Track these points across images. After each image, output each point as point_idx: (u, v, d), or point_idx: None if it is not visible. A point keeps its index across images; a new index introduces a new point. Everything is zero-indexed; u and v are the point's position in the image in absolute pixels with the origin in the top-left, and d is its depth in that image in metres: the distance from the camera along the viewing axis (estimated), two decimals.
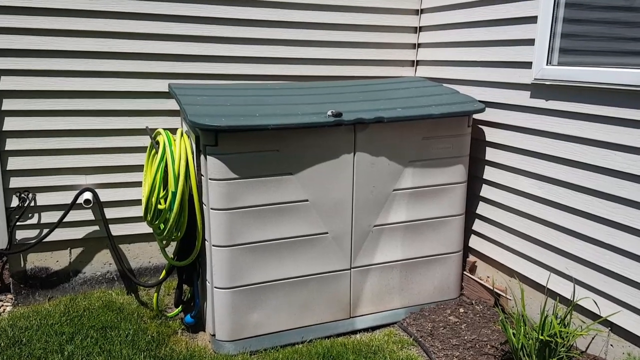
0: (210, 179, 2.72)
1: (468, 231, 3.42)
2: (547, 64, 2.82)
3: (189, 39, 3.42)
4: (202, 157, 2.75)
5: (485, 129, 3.29)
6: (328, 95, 3.29)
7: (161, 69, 3.41)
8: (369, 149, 2.96)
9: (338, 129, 2.87)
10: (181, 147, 2.79)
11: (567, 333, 2.40)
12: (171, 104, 3.45)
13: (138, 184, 3.46)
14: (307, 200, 2.90)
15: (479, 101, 3.22)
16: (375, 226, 3.08)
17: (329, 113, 2.83)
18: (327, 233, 2.98)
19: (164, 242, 2.95)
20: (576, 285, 2.73)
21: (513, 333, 2.51)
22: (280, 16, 3.56)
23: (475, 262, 3.45)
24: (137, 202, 3.50)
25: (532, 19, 2.89)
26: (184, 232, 2.86)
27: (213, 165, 2.70)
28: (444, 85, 3.57)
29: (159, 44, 3.37)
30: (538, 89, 2.90)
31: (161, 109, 3.46)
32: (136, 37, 3.32)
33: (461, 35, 3.46)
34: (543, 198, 2.92)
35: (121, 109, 3.38)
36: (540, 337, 2.37)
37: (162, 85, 3.42)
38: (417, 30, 3.93)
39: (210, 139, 2.67)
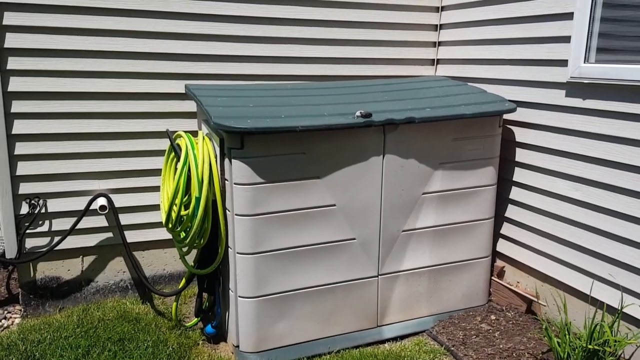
0: (235, 183, 2.59)
1: (496, 235, 3.31)
2: (584, 62, 2.71)
3: (205, 38, 3.29)
4: (226, 160, 2.62)
5: (515, 129, 3.18)
6: (352, 95, 3.17)
7: (177, 69, 3.27)
8: (399, 151, 2.84)
9: (367, 130, 2.75)
10: (204, 150, 2.65)
11: (616, 342, 2.29)
12: (187, 106, 3.32)
13: (153, 189, 3.32)
14: (334, 205, 2.78)
15: (509, 100, 3.11)
16: (403, 231, 2.96)
17: (358, 114, 2.71)
18: (354, 239, 2.86)
19: (185, 249, 2.81)
20: (620, 291, 2.62)
21: (558, 342, 2.40)
22: (298, 14, 3.43)
23: (503, 266, 3.34)
24: (151, 207, 3.36)
25: (568, 16, 2.78)
26: (207, 239, 2.72)
27: (238, 169, 2.57)
28: (469, 84, 3.46)
29: (174, 44, 3.23)
30: (574, 88, 2.78)
31: (177, 110, 3.32)
32: (151, 36, 3.18)
33: (487, 33, 3.35)
34: (580, 200, 2.80)
35: (135, 111, 3.24)
36: (589, 347, 2.26)
37: (177, 86, 3.28)
38: (437, 28, 3.82)
39: (235, 141, 2.54)
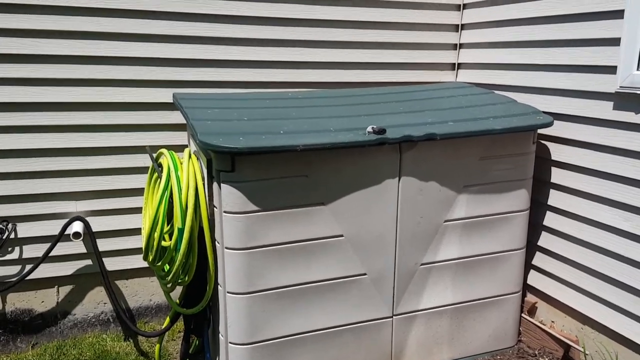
0: (225, 211, 2.20)
1: (527, 266, 2.89)
2: (638, 69, 2.29)
3: (196, 40, 2.90)
4: (214, 184, 2.23)
5: (550, 145, 2.76)
6: (361, 106, 2.77)
7: (164, 76, 2.89)
8: (417, 172, 2.43)
9: (380, 149, 2.34)
10: (189, 172, 2.26)
11: None
12: (176, 117, 2.93)
13: (137, 210, 2.94)
14: (341, 236, 2.38)
15: (544, 112, 2.70)
16: (422, 264, 2.55)
17: (369, 129, 2.31)
18: (365, 274, 2.45)
19: (169, 285, 2.43)
20: None
21: None
22: (300, 13, 3.04)
23: (535, 303, 2.92)
24: (135, 231, 2.97)
25: (617, 14, 2.36)
26: (193, 275, 2.33)
27: (229, 195, 2.18)
28: (496, 92, 3.04)
29: (161, 47, 2.85)
30: (625, 99, 2.37)
31: (164, 122, 2.94)
32: (134, 39, 2.80)
33: (517, 34, 2.93)
34: (630, 233, 2.38)
35: (117, 123, 2.86)
36: None
37: (165, 95, 2.90)
38: (458, 28, 3.41)
39: (225, 163, 2.15)
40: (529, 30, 2.85)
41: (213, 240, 2.31)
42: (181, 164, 2.31)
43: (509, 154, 2.59)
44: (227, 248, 2.24)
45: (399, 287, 2.53)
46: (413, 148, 2.40)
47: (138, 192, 2.92)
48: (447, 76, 3.46)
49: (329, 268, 2.38)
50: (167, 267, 2.36)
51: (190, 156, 2.35)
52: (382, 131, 2.29)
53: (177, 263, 2.23)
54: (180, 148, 2.89)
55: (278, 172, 2.23)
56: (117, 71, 2.81)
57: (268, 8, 2.98)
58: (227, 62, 2.98)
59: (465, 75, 3.41)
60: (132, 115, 2.88)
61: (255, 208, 2.21)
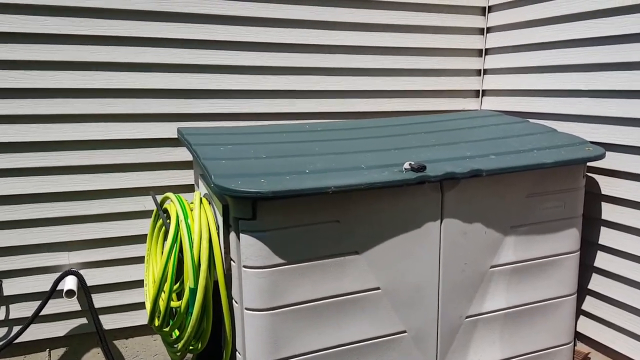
0: (245, 266, 1.88)
1: (577, 311, 2.59)
2: None
3: (203, 69, 2.63)
4: (232, 234, 1.92)
5: (600, 179, 2.49)
6: (389, 139, 2.49)
7: (167, 109, 2.60)
8: (461, 213, 2.14)
9: (420, 188, 2.06)
10: (202, 220, 1.95)
11: None
12: (180, 154, 2.63)
13: (136, 260, 2.61)
14: (378, 289, 2.07)
15: (591, 143, 2.44)
16: (467, 317, 2.24)
17: (407, 166, 2.02)
18: (404, 332, 2.14)
19: (179, 354, 2.09)
20: None
21: None
22: (317, 39, 2.79)
23: (588, 353, 2.61)
24: (135, 284, 2.64)
25: None
26: (207, 341, 2.00)
27: (250, 247, 1.87)
28: (531, 121, 2.79)
29: (164, 77, 2.57)
30: None
31: (167, 160, 2.63)
32: (133, 69, 2.52)
33: (553, 58, 2.69)
34: None
35: (113, 163, 2.55)
36: None
37: (167, 130, 2.61)
38: (482, 53, 3.17)
39: (245, 209, 1.85)
40: (564, 53, 2.61)
41: (230, 299, 1.98)
42: (191, 210, 2.01)
43: (558, 190, 2.32)
44: (247, 309, 1.91)
45: (443, 344, 2.21)
46: (456, 186, 2.12)
47: (137, 239, 2.60)
48: (470, 104, 3.21)
49: (365, 327, 2.06)
50: (176, 332, 2.03)
51: (201, 201, 2.05)
52: (421, 168, 2.01)
53: (189, 329, 1.90)
54: (185, 188, 2.59)
55: (306, 218, 1.92)
56: (112, 105, 2.52)
57: (280, 34, 2.72)
58: (238, 92, 2.71)
59: (490, 103, 3.16)
60: (132, 154, 2.57)
61: (281, 261, 1.90)
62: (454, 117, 2.89)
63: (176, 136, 2.57)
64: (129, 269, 2.63)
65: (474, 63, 3.17)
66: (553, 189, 2.31)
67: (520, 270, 2.30)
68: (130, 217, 2.60)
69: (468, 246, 2.18)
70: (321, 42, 2.80)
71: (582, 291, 2.58)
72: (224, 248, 1.97)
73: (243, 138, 2.38)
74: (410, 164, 2.03)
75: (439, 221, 2.11)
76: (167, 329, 1.98)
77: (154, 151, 2.61)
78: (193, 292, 1.88)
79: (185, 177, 2.65)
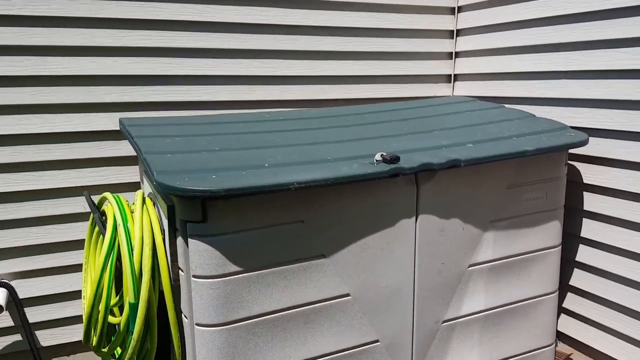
0: (195, 276, 1.64)
1: (558, 310, 2.44)
2: None
3: (150, 52, 2.34)
4: (179, 240, 1.67)
5: (581, 167, 2.34)
6: (358, 128, 2.27)
7: (107, 98, 2.31)
8: (437, 209, 1.94)
9: (393, 182, 1.85)
10: (144, 223, 1.69)
11: None
12: (125, 148, 2.35)
13: (75, 269, 2.33)
14: (347, 295, 1.85)
15: (572, 128, 2.27)
16: (444, 322, 2.05)
17: (379, 157, 1.81)
18: (377, 341, 1.93)
19: None
20: None
21: None
22: (276, 18, 2.53)
23: (570, 354, 2.46)
24: (74, 295, 2.36)
25: None
26: None
27: (200, 254, 1.62)
28: (506, 106, 2.61)
29: (104, 62, 2.28)
30: None
31: (110, 155, 2.35)
32: (68, 53, 2.22)
33: (529, 37, 2.51)
34: None
35: (48, 159, 2.25)
36: None
37: (109, 122, 2.32)
38: (453, 34, 2.98)
39: (194, 211, 1.60)
40: (542, 32, 2.43)
41: (179, 314, 1.73)
42: (132, 212, 1.74)
43: (539, 180, 2.14)
44: (198, 325, 1.66)
45: (418, 352, 2.01)
46: (432, 179, 1.91)
47: (77, 244, 2.32)
48: (442, 90, 3.02)
49: (334, 337, 1.85)
50: (118, 350, 1.77)
51: (144, 201, 1.78)
52: (394, 159, 1.79)
53: (129, 349, 1.64)
54: (133, 187, 2.32)
55: (265, 218, 1.69)
56: (45, 94, 2.21)
57: (240, 12, 2.45)
58: (186, 78, 2.43)
59: (463, 88, 2.97)
60: (67, 149, 2.28)
61: (236, 269, 1.66)
62: (426, 104, 2.69)
63: (118, 128, 2.29)
64: (68, 278, 2.34)
65: (445, 45, 2.97)
66: (534, 179, 2.13)
67: (500, 269, 2.13)
68: (68, 220, 2.31)
69: (445, 244, 1.98)
70: (281, 22, 2.55)
71: (563, 287, 2.43)
72: (171, 255, 1.71)
73: (194, 129, 2.12)
74: (382, 155, 1.81)
75: (414, 218, 1.91)
76: (105, 350, 1.72)
77: (95, 145, 2.33)
78: (134, 307, 1.62)
79: (132, 174, 2.38)
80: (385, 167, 1.76)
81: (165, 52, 2.37)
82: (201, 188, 1.52)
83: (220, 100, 2.50)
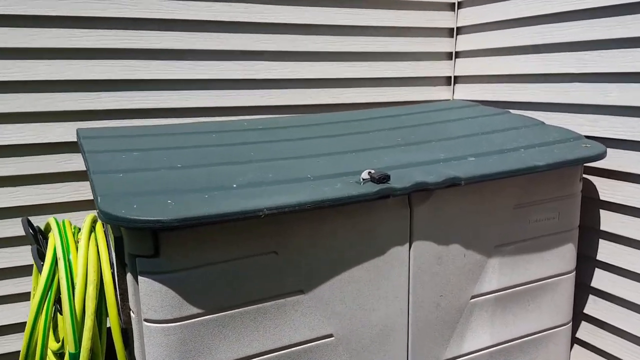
0: (147, 320, 1.38)
1: (570, 341, 2.18)
2: None
3: (107, 54, 2.09)
4: (129, 276, 1.41)
5: (597, 182, 2.08)
6: (345, 138, 2.01)
7: (61, 106, 2.05)
8: (434, 234, 1.69)
9: (383, 204, 1.59)
10: (90, 256, 1.44)
11: None
12: (79, 162, 2.10)
13: (23, 297, 2.07)
14: (330, 336, 1.59)
15: (587, 137, 2.02)
16: None
17: (365, 176, 1.55)
18: None
19: None
20: None
21: None
22: (256, 15, 2.27)
23: None
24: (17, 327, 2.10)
25: None
26: None
27: (152, 295, 1.36)
28: (512, 112, 2.36)
29: (55, 65, 2.02)
30: None
31: (67, 170, 2.09)
32: (14, 55, 1.96)
33: (537, 36, 2.26)
34: None
35: None
36: None
37: (64, 133, 2.07)
38: (453, 32, 2.72)
39: (144, 243, 1.34)
40: (554, 29, 2.17)
41: None
42: (76, 242, 1.49)
43: (551, 198, 1.89)
44: None
45: None
46: (428, 200, 1.66)
47: (25, 271, 2.06)
48: (441, 93, 2.76)
49: None
50: None
51: (92, 229, 1.52)
52: (384, 178, 1.53)
53: None
54: (93, 205, 2.06)
55: (230, 251, 1.43)
56: None
57: (213, 9, 2.19)
58: (158, 82, 2.18)
59: (463, 92, 2.72)
60: (19, 163, 2.02)
61: (196, 310, 1.40)
62: (422, 110, 2.43)
63: (75, 139, 2.03)
64: (12, 308, 2.08)
65: (443, 45, 2.71)
66: (544, 197, 1.87)
67: (506, 299, 1.87)
68: (16, 243, 2.05)
69: (444, 274, 1.73)
70: (261, 20, 2.29)
71: (577, 316, 2.18)
72: (121, 294, 1.46)
73: (157, 141, 1.86)
74: (369, 172, 1.56)
75: (407, 245, 1.65)
76: None
77: (50, 159, 2.07)
78: (75, 357, 1.36)
79: (87, 192, 2.12)
80: (373, 188, 1.50)
81: (130, 53, 2.12)
82: (150, 218, 1.26)
83: (193, 107, 2.25)
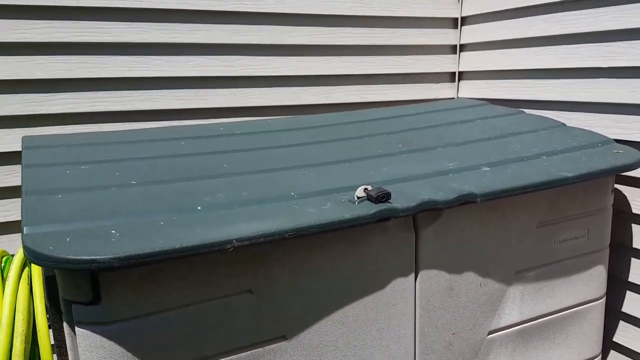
0: None
1: None
2: None
3: (61, 49, 1.80)
4: (65, 325, 1.12)
5: (628, 192, 1.80)
6: (337, 145, 1.73)
7: (4, 110, 1.76)
8: (444, 261, 1.41)
9: (382, 228, 1.31)
10: (19, 300, 1.15)
11: None
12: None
13: None
14: None
15: (615, 141, 1.74)
16: None
17: (361, 193, 1.27)
18: None
19: None
20: None
21: None
22: (234, 4, 1.99)
23: None
24: None
25: None
26: None
27: (93, 352, 1.07)
28: (527, 112, 2.08)
29: (3, 63, 1.73)
30: None
31: (11, 185, 1.80)
32: None
33: (555, 25, 1.98)
34: None
35: None
36: None
37: (11, 141, 1.78)
38: (457, 23, 2.44)
39: (80, 288, 1.06)
40: (575, 17, 1.89)
41: None
42: (3, 280, 1.20)
43: (579, 214, 1.61)
44: None
45: None
46: (436, 221, 1.38)
47: None
48: (444, 91, 2.48)
49: None
50: None
51: (27, 264, 1.24)
52: (383, 196, 1.25)
53: None
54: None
55: (193, 292, 1.15)
56: None
57: None
58: (123, 80, 1.89)
59: (470, 89, 2.44)
60: None
61: None
62: (424, 110, 2.15)
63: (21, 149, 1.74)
64: None
65: (447, 36, 2.43)
66: (572, 213, 1.60)
67: (529, 333, 1.59)
68: None
69: (457, 308, 1.45)
70: (240, 9, 2.00)
71: (606, 344, 1.90)
72: (57, 346, 1.17)
73: (113, 151, 1.57)
74: (365, 189, 1.28)
75: (412, 275, 1.37)
76: None
77: None
78: None
79: None
80: (371, 209, 1.22)
81: (88, 48, 1.83)
82: (83, 257, 0.98)
83: (162, 109, 1.96)
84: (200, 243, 1.05)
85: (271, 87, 2.11)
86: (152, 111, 1.95)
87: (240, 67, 2.04)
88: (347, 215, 1.19)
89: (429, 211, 1.31)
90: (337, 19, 2.18)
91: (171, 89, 1.95)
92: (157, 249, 1.02)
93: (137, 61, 1.89)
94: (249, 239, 1.09)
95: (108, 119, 1.90)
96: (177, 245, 1.04)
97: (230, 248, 1.08)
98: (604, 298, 1.73)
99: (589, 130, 1.83)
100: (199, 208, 1.20)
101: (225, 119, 2.03)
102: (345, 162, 1.55)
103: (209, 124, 1.97)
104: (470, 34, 2.39)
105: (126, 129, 1.89)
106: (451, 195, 1.30)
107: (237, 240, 1.08)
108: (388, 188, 1.28)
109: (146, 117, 1.94)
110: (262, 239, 1.10)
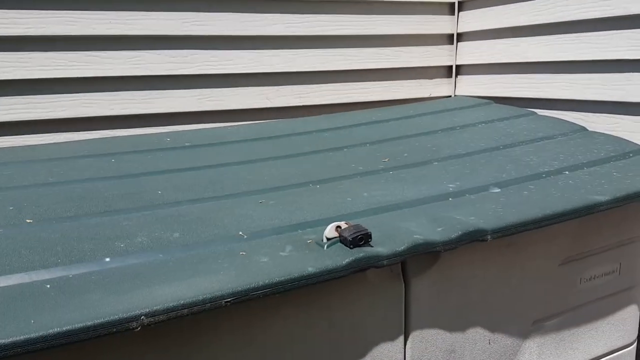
0: None
1: None
2: None
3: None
4: None
5: None
6: (307, 159, 1.40)
7: None
8: (442, 315, 1.08)
9: (361, 279, 0.98)
10: None
11: None
12: None
13: None
14: None
15: None
16: None
17: (331, 233, 0.94)
18: None
19: None
20: None
21: None
22: None
23: None
24: None
25: None
26: None
27: None
28: (539, 113, 1.75)
29: None
30: None
31: None
32: None
33: (571, 9, 1.65)
34: None
35: None
36: None
37: None
38: (454, 8, 2.10)
39: None
40: (590, 1, 1.57)
41: None
42: None
43: (610, 245, 1.29)
44: None
45: None
46: (432, 266, 1.05)
47: None
48: (439, 88, 2.15)
49: None
50: None
51: None
52: (360, 238, 0.92)
53: None
54: None
55: None
56: None
57: None
58: (45, 82, 1.54)
59: (468, 85, 2.11)
60: None
61: None
62: (417, 112, 1.82)
63: None
64: None
65: (442, 24, 2.10)
66: (602, 245, 1.28)
67: None
68: None
69: None
70: None
71: None
72: None
73: (17, 173, 1.23)
74: (338, 227, 0.95)
75: (401, 339, 1.04)
76: None
77: None
78: None
79: None
80: (344, 257, 0.89)
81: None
82: None
83: (96, 116, 1.62)
84: (91, 324, 0.72)
85: (233, 87, 1.77)
86: (82, 119, 1.61)
87: (193, 63, 1.70)
88: (311, 270, 0.87)
89: (423, 255, 0.98)
90: (313, 5, 1.84)
91: (108, 91, 1.61)
92: (24, 337, 0.69)
93: (63, 57, 1.55)
94: (166, 311, 0.76)
95: (23, 130, 1.56)
96: (54, 331, 0.71)
97: (136, 327, 0.75)
98: (635, 343, 1.41)
99: (615, 136, 1.52)
100: (107, 260, 0.88)
101: (174, 127, 1.68)
102: (316, 184, 1.23)
103: (153, 133, 1.63)
104: (469, 20, 2.06)
105: (47, 142, 1.54)
106: (453, 233, 0.98)
107: (145, 316, 0.75)
108: (370, 221, 0.97)
109: (74, 126, 1.60)
110: (185, 310, 0.77)
